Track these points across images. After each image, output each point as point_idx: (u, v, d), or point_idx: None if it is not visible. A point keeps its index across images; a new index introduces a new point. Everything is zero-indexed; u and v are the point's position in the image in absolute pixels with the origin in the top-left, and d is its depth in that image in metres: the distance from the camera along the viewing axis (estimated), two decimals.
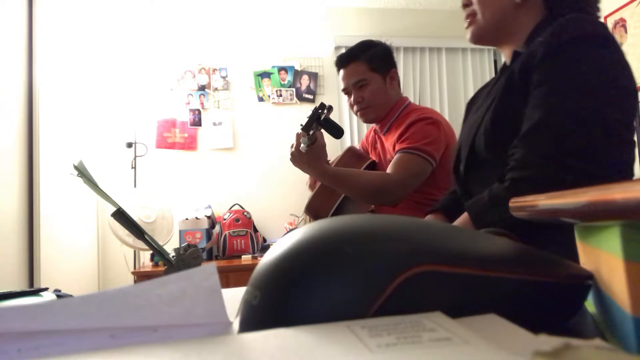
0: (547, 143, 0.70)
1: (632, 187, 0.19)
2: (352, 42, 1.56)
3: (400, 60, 3.35)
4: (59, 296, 0.65)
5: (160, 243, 1.09)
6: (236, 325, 0.28)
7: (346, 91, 1.54)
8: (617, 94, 0.71)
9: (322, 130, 1.25)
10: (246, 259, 2.70)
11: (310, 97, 3.28)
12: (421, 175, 1.35)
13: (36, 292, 0.65)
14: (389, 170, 1.35)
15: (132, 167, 2.90)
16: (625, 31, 2.51)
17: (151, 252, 2.63)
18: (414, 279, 0.26)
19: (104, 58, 2.98)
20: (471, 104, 1.02)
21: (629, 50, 2.42)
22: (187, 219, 2.79)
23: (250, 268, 2.33)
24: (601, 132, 0.69)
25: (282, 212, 3.08)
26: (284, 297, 0.26)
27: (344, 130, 2.09)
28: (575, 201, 0.25)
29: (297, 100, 3.27)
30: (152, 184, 2.95)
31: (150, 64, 3.06)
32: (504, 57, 0.94)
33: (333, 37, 3.32)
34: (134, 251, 2.74)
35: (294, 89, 3.27)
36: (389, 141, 1.47)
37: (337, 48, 3.26)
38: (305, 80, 3.30)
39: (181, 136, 3.10)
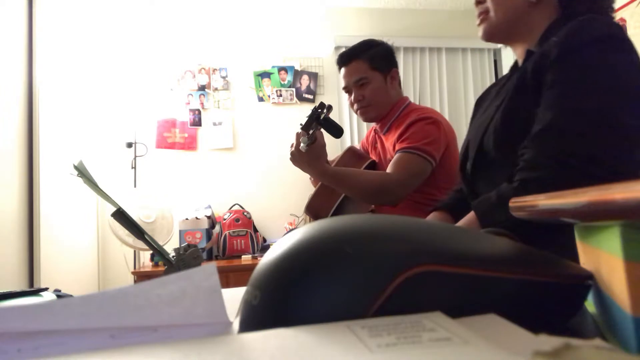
0: (558, 145, 0.69)
1: (632, 187, 0.19)
2: (352, 42, 1.56)
3: (400, 60, 3.35)
4: (59, 296, 0.65)
5: (160, 243, 1.09)
6: (236, 325, 0.28)
7: (347, 89, 1.54)
8: (631, 97, 0.70)
9: (322, 130, 1.25)
10: (246, 259, 2.70)
11: (310, 97, 3.28)
12: (421, 175, 1.35)
13: (36, 292, 0.65)
14: (389, 170, 1.35)
15: (132, 167, 2.90)
16: (625, 31, 2.51)
17: (151, 252, 2.63)
18: (414, 279, 0.26)
19: (104, 58, 2.98)
20: (480, 102, 1.01)
21: None
22: (187, 219, 2.79)
23: (250, 268, 2.33)
24: (614, 136, 0.68)
25: (282, 212, 3.08)
26: (284, 297, 0.26)
27: (344, 129, 2.09)
28: (575, 201, 0.25)
29: (297, 100, 3.27)
30: (152, 184, 2.95)
31: (150, 64, 3.06)
32: (516, 56, 0.93)
33: (333, 37, 3.32)
34: (134, 251, 2.74)
35: (294, 89, 3.27)
36: (389, 141, 1.47)
37: (337, 48, 3.26)
38: (305, 80, 3.30)
39: (181, 136, 3.10)
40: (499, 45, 3.56)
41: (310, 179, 1.65)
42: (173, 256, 0.82)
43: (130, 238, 2.29)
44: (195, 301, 0.25)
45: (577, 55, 0.72)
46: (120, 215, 0.73)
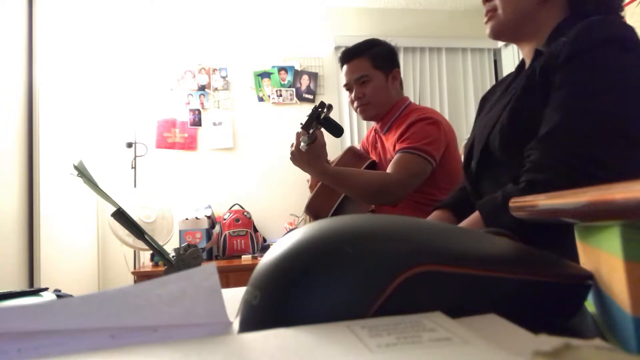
0: (566, 147, 0.68)
1: (632, 187, 0.19)
2: (352, 42, 1.56)
3: (400, 60, 3.35)
4: (59, 296, 0.65)
5: (160, 243, 1.09)
6: (236, 325, 0.28)
7: (348, 87, 1.54)
8: None
9: (322, 129, 1.25)
10: (246, 259, 2.70)
11: (310, 97, 3.28)
12: (421, 175, 1.35)
13: (36, 292, 0.65)
14: (389, 170, 1.35)
15: (132, 167, 2.90)
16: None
17: (151, 252, 2.63)
18: (414, 279, 0.26)
19: (104, 58, 2.98)
20: (484, 101, 1.00)
21: None
22: (187, 219, 2.79)
23: (250, 268, 2.32)
24: (622, 139, 0.67)
25: (282, 212, 3.08)
26: (284, 297, 0.26)
27: (344, 129, 2.10)
28: (575, 201, 0.25)
29: (297, 100, 3.27)
30: (152, 184, 2.95)
31: (150, 64, 3.06)
32: (523, 55, 0.92)
33: (333, 37, 3.32)
34: (134, 251, 2.74)
35: (294, 89, 3.27)
36: (389, 141, 1.47)
37: (337, 48, 3.26)
38: (305, 80, 3.30)
39: (181, 136, 3.10)
40: (499, 45, 3.56)
41: (308, 182, 1.65)
42: (173, 256, 0.82)
43: (130, 238, 2.29)
44: (195, 301, 0.25)
45: (587, 56, 0.71)
46: (120, 215, 0.73)
